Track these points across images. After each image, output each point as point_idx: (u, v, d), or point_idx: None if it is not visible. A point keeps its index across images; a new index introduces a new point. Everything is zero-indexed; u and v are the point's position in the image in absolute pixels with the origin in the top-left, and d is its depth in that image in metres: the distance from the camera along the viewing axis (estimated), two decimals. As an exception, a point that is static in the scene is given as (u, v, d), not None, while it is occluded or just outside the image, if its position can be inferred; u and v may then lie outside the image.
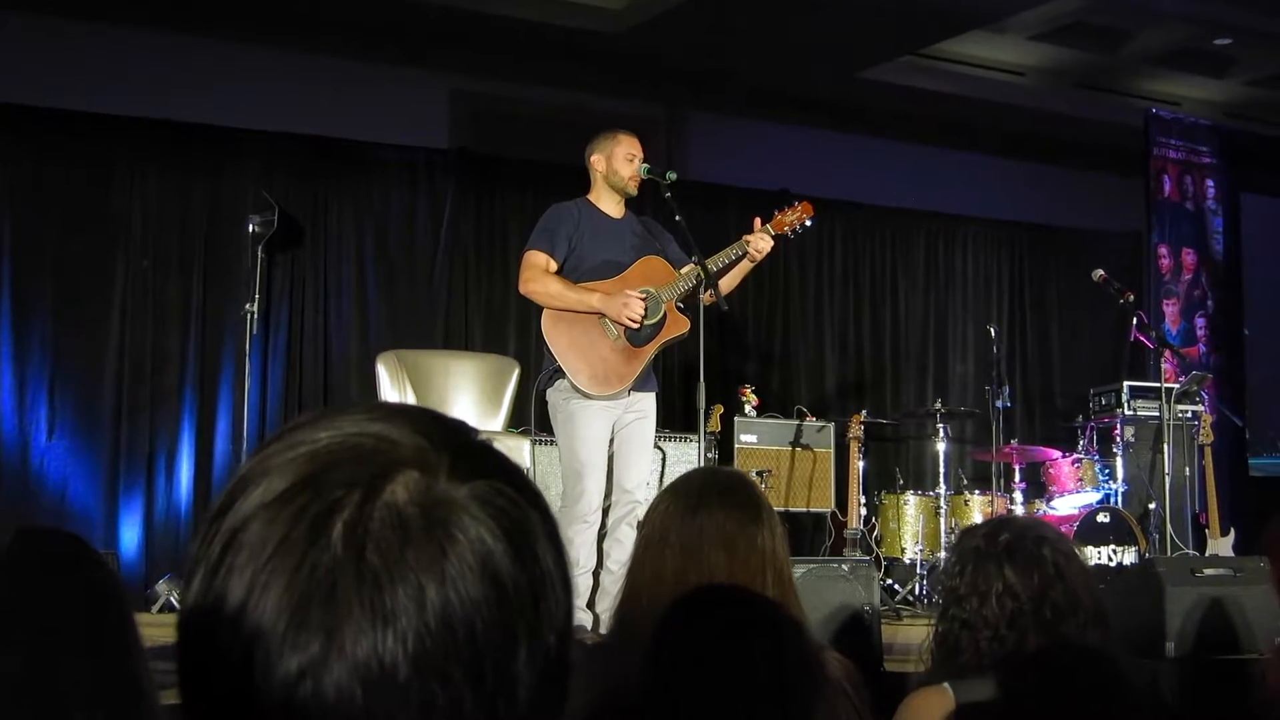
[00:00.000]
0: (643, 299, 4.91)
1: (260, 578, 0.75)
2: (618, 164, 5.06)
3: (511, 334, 8.15)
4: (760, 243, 5.02)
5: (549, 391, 4.97)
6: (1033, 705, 1.89)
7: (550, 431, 5.13)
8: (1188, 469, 7.81)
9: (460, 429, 0.83)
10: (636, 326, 4.90)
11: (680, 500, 2.21)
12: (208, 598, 0.77)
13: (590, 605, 4.91)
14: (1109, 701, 1.84)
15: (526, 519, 0.79)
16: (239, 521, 0.77)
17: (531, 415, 5.22)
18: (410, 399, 5.45)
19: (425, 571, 0.74)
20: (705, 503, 2.19)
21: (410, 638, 0.73)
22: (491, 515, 0.77)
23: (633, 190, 5.09)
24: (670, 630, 1.68)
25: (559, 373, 4.90)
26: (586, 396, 4.86)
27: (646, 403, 5.05)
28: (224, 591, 0.76)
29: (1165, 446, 7.22)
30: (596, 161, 5.11)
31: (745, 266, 5.11)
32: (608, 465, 4.94)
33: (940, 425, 7.57)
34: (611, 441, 4.96)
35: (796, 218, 5.16)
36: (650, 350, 4.99)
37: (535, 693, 0.77)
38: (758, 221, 5.11)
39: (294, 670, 0.73)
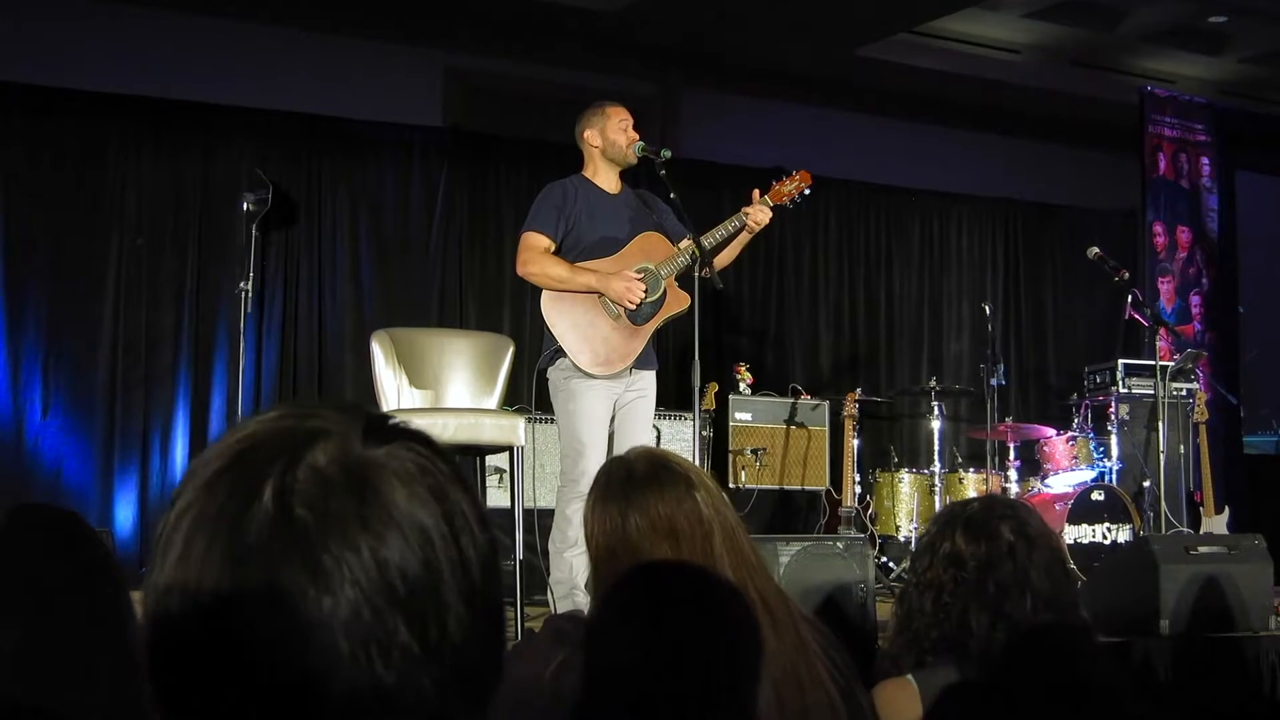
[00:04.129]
0: (642, 278, 4.89)
1: (203, 543, 0.86)
2: (613, 135, 5.01)
3: (506, 311, 8.13)
4: (759, 214, 4.99)
5: (550, 371, 4.92)
6: (1001, 686, 1.90)
7: (548, 410, 5.10)
8: (1182, 447, 7.83)
9: (366, 407, 0.95)
10: (635, 307, 4.88)
11: (609, 507, 2.12)
12: (162, 574, 0.89)
13: (588, 586, 4.88)
14: (1073, 685, 1.84)
15: (439, 470, 0.90)
16: (185, 504, 0.90)
17: (529, 394, 5.20)
18: (404, 377, 5.44)
19: (351, 522, 0.84)
20: (635, 499, 2.10)
21: (346, 584, 0.83)
22: (408, 469, 0.88)
23: (633, 159, 5.02)
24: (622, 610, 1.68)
25: (560, 352, 4.85)
26: (588, 376, 4.84)
27: (647, 381, 5.01)
28: (177, 561, 0.88)
29: (1160, 424, 7.22)
30: (590, 137, 5.05)
31: (744, 239, 5.07)
32: (608, 444, 4.92)
33: (935, 403, 7.57)
34: (611, 420, 4.93)
35: (795, 187, 5.12)
36: (651, 328, 4.96)
37: (467, 621, 0.87)
38: (755, 193, 5.07)
39: (240, 622, 0.83)
